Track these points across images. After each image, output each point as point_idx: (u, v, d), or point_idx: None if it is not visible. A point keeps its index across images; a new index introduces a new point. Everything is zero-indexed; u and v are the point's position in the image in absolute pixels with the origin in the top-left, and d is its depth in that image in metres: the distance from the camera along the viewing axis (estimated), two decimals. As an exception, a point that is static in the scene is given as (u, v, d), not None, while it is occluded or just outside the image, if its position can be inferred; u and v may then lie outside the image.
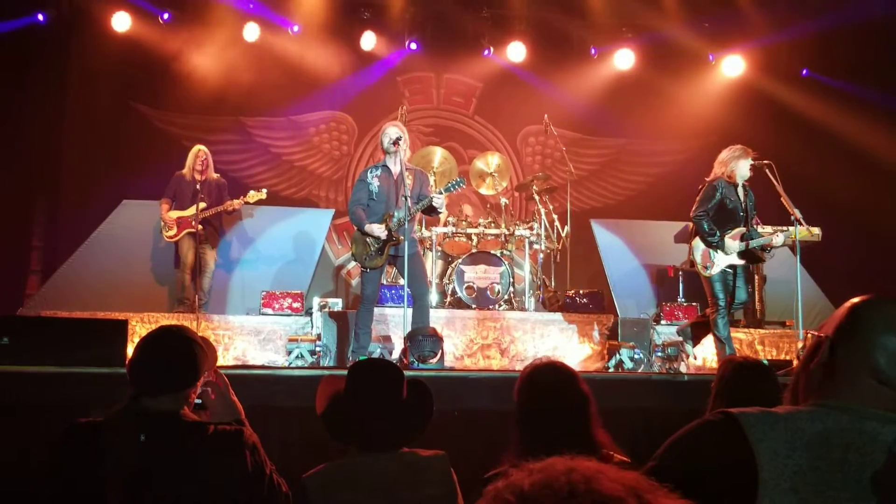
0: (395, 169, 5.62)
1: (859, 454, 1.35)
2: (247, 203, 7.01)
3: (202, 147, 7.19)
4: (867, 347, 1.42)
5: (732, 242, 5.44)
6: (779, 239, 5.51)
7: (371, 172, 5.68)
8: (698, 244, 5.52)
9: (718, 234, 5.43)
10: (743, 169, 5.45)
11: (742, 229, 5.48)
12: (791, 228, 5.59)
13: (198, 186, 6.85)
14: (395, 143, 5.52)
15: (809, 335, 1.56)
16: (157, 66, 8.68)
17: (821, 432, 1.37)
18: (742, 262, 5.45)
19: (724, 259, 5.42)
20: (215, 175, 7.17)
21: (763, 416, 1.41)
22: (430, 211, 5.64)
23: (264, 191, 7.03)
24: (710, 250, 5.44)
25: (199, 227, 6.83)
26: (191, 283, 6.95)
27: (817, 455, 1.35)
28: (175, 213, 7.02)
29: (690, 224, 6.92)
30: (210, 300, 7.15)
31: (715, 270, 5.42)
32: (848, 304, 1.51)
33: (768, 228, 6.86)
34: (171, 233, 7.01)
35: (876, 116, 8.25)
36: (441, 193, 5.55)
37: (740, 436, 1.37)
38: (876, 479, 1.33)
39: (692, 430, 1.48)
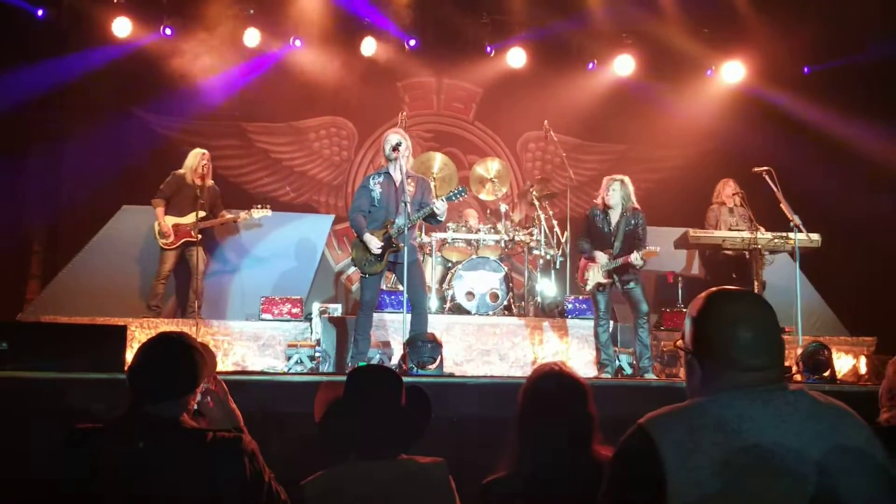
0: (396, 176, 5.62)
1: (752, 424, 1.49)
2: (251, 218, 7.07)
3: (205, 150, 6.98)
4: (721, 347, 1.59)
5: (601, 259, 5.95)
6: (636, 258, 5.81)
7: (373, 179, 5.68)
8: (585, 265, 6.10)
9: (592, 254, 6.02)
10: (607, 196, 6.02)
11: (610, 250, 5.98)
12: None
13: (198, 192, 6.68)
14: (395, 148, 5.52)
15: (677, 343, 1.73)
16: (158, 71, 8.68)
17: (715, 413, 1.52)
18: (608, 280, 5.94)
19: (595, 277, 5.99)
20: (210, 181, 6.98)
21: (663, 414, 1.56)
22: (431, 218, 5.65)
23: (269, 207, 7.11)
24: (587, 270, 6.05)
25: (199, 236, 6.75)
26: (163, 290, 6.90)
27: (715, 432, 1.48)
28: (172, 220, 6.83)
29: (689, 230, 7.00)
30: (203, 303, 7.03)
31: (589, 286, 6.04)
32: (693, 308, 1.66)
33: (767, 234, 6.87)
34: (168, 241, 6.81)
35: (876, 121, 8.24)
36: (443, 201, 5.56)
37: (647, 439, 1.50)
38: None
39: (615, 457, 1.61)
